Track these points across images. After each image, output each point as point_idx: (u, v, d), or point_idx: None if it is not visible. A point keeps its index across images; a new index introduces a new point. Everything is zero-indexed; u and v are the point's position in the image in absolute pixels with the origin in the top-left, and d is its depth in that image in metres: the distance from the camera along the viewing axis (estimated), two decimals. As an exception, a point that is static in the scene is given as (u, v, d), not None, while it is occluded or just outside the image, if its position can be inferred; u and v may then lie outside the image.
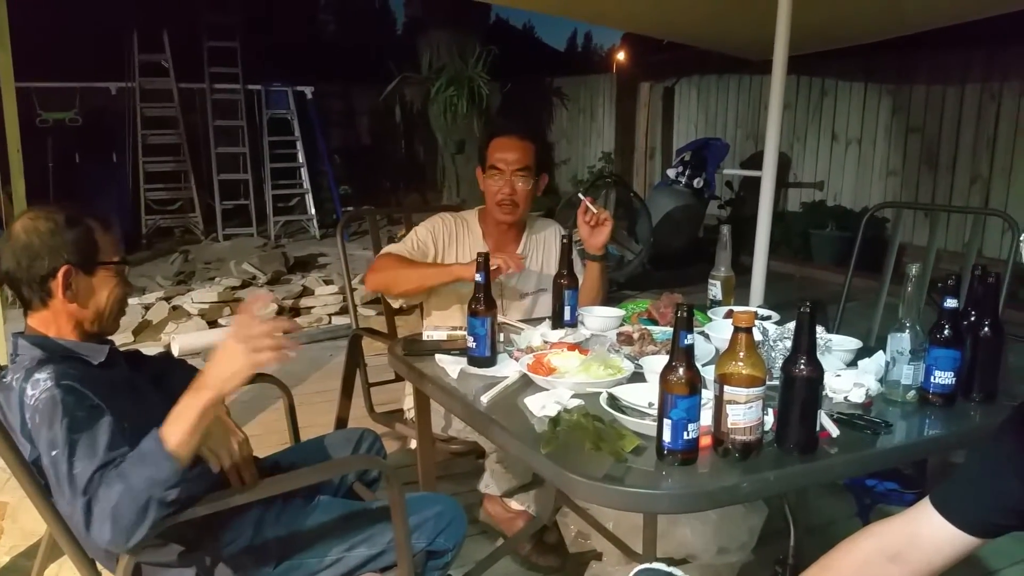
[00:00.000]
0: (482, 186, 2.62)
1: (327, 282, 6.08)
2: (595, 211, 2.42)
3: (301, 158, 9.42)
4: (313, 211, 9.37)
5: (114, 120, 8.92)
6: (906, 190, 7.31)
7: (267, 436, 1.95)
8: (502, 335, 2.08)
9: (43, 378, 1.49)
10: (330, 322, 5.56)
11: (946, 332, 1.63)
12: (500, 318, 2.19)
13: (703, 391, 1.41)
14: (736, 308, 2.25)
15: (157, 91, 8.94)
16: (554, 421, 1.51)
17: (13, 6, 5.44)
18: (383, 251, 2.58)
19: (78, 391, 1.48)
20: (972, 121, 6.75)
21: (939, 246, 5.75)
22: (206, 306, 5.41)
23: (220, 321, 5.32)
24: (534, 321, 2.30)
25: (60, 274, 1.61)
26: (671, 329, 2.12)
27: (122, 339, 4.95)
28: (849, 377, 1.69)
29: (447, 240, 2.62)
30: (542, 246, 2.73)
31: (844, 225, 7.24)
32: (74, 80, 8.58)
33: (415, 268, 2.48)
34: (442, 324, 2.48)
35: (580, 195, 2.48)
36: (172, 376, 1.96)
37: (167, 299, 5.58)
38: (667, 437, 1.35)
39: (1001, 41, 6.29)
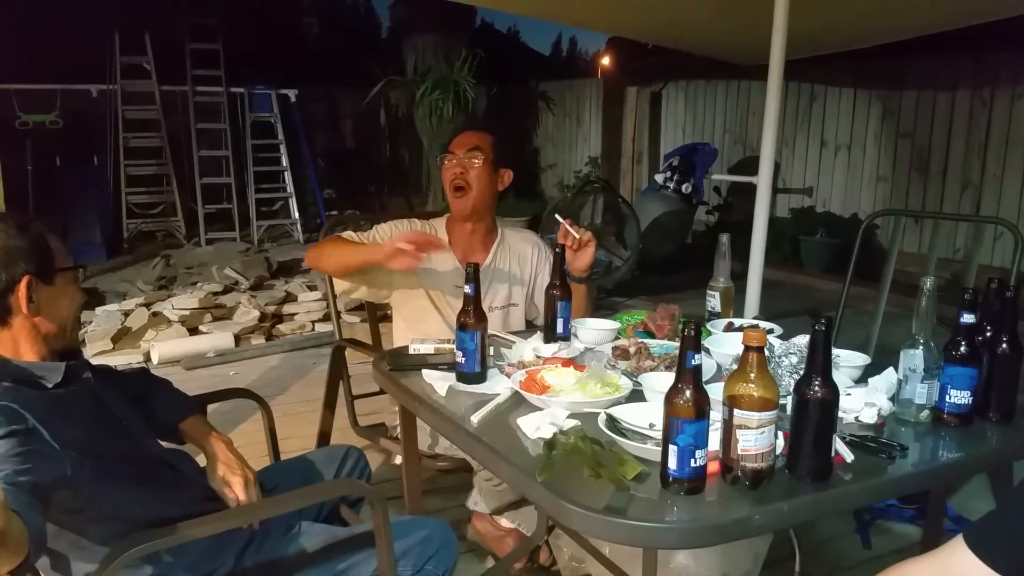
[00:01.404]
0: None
1: (311, 288, 5.96)
2: (576, 235, 2.29)
3: (285, 162, 9.32)
4: (297, 215, 9.26)
5: (95, 122, 8.79)
6: (896, 196, 7.27)
7: (247, 448, 1.84)
8: (492, 348, 1.98)
9: None
10: (313, 329, 5.45)
11: (962, 349, 1.54)
12: (489, 330, 2.10)
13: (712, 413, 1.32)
14: (736, 321, 2.16)
15: (139, 93, 8.80)
16: (549, 444, 1.41)
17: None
18: (335, 233, 2.52)
19: (11, 411, 1.35)
20: (963, 127, 6.71)
21: (938, 254, 5.73)
22: (187, 312, 5.29)
23: (201, 328, 5.19)
24: (524, 333, 2.21)
25: (22, 286, 1.48)
26: (669, 343, 2.05)
27: (100, 347, 4.82)
28: (859, 396, 1.60)
29: None
30: (515, 258, 2.60)
31: (834, 231, 7.18)
32: (55, 82, 8.45)
33: (345, 245, 2.40)
34: (414, 332, 2.37)
35: (558, 217, 2.33)
36: (153, 396, 1.86)
37: (147, 305, 5.45)
38: (673, 464, 1.26)
39: (992, 47, 6.26)
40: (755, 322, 2.15)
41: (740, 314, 2.58)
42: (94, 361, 1.78)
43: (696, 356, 1.25)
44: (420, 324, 2.47)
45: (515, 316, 2.57)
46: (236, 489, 1.67)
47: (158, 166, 8.93)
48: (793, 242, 7.52)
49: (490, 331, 2.23)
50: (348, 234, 2.51)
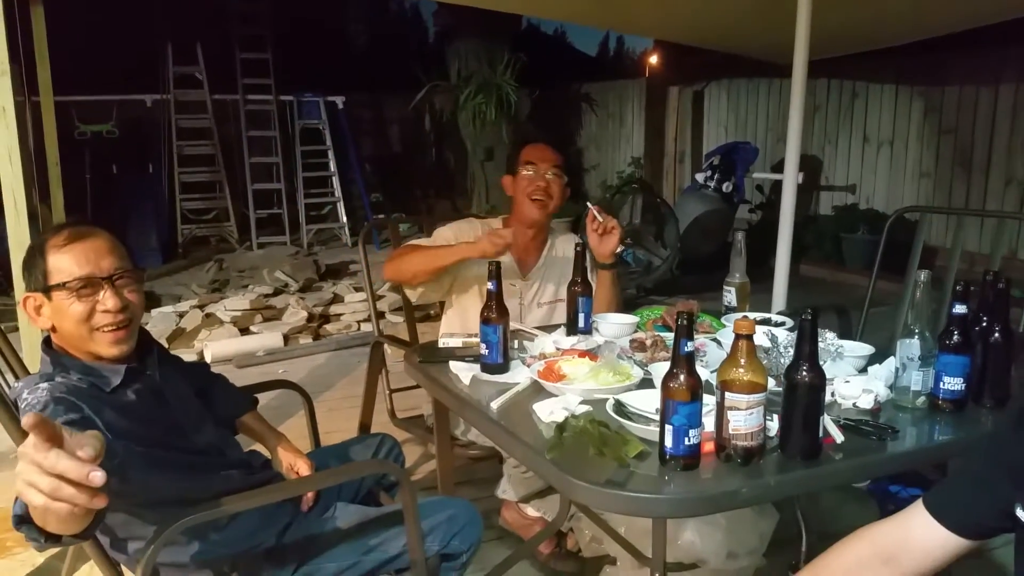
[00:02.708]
0: (510, 191, 2.66)
1: (357, 289, 6.15)
2: (601, 220, 2.42)
3: (333, 167, 9.55)
4: (345, 219, 9.49)
5: (150, 131, 9.13)
6: (939, 192, 7.22)
7: (292, 439, 2.02)
8: (516, 342, 2.10)
9: (44, 387, 1.52)
10: (359, 328, 5.63)
11: (955, 338, 1.62)
12: (515, 325, 2.22)
13: (709, 397, 1.43)
14: (751, 315, 2.25)
15: (191, 103, 9.12)
16: (560, 427, 1.53)
17: (52, 23, 5.59)
18: (406, 243, 2.62)
19: (68, 402, 1.50)
20: (1007, 122, 6.64)
21: (973, 249, 5.69)
22: (238, 313, 5.51)
23: (252, 328, 5.40)
24: (550, 328, 2.32)
25: (23, 304, 1.64)
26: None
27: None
28: (858, 383, 1.69)
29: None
30: (561, 258, 2.73)
31: (876, 228, 7.15)
32: (111, 93, 8.80)
33: (425, 251, 2.50)
34: (460, 325, 2.53)
35: (588, 204, 2.49)
36: (213, 389, 2.05)
37: (201, 307, 5.69)
38: (669, 443, 1.37)
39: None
40: (768, 316, 2.24)
41: (768, 309, 2.67)
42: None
43: (688, 344, 1.36)
44: (471, 317, 2.58)
45: (560, 311, 2.70)
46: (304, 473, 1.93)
47: (211, 173, 9.24)
48: (835, 239, 7.50)
49: (534, 325, 2.36)
50: (419, 242, 2.61)
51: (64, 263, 1.60)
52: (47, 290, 1.60)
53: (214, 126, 9.14)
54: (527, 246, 2.68)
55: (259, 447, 2.09)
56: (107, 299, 1.61)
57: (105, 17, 9.23)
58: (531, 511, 2.63)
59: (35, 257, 1.62)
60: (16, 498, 1.25)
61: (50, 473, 0.99)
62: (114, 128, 8.77)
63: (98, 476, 0.99)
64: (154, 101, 9.11)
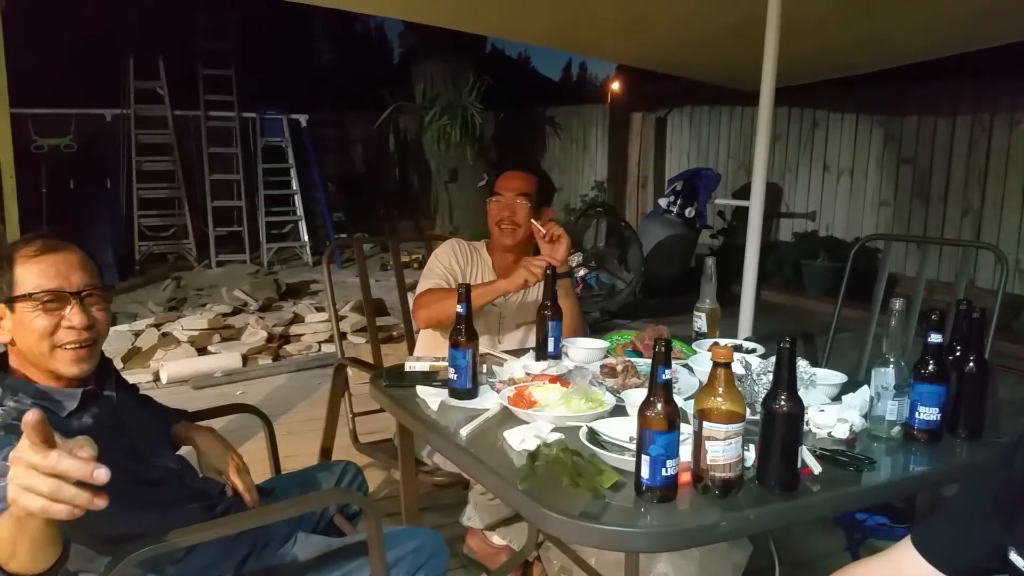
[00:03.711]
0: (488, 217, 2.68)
1: (318, 309, 6.05)
2: (543, 230, 2.43)
3: (295, 185, 9.47)
4: (306, 238, 9.40)
5: (109, 146, 8.97)
6: (898, 221, 7.33)
7: (251, 464, 1.93)
8: (484, 366, 2.06)
9: None
10: (319, 350, 5.53)
11: (931, 368, 1.61)
12: (484, 349, 2.18)
13: (684, 426, 1.39)
14: (721, 340, 2.23)
15: (152, 118, 8.99)
16: (532, 455, 1.48)
17: (9, 32, 5.47)
18: (419, 290, 2.59)
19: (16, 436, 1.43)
20: (963, 153, 6.77)
21: (932, 277, 5.78)
22: (196, 333, 5.38)
23: (209, 348, 5.29)
24: (520, 352, 2.28)
25: None
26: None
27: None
28: (833, 412, 1.67)
29: (464, 264, 2.65)
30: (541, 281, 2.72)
31: (836, 256, 7.24)
32: (70, 106, 8.64)
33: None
34: (435, 348, 2.49)
35: (533, 220, 2.50)
36: (151, 409, 1.95)
37: (157, 326, 5.55)
38: (645, 473, 1.33)
39: (991, 73, 6.34)
40: (739, 342, 2.22)
41: (734, 335, 2.65)
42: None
43: (666, 371, 1.33)
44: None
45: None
46: (231, 475, 1.79)
47: (170, 189, 9.09)
48: (796, 266, 7.58)
49: (510, 346, 2.32)
50: (430, 284, 2.58)
51: (32, 275, 1.53)
52: (10, 301, 1.53)
53: (175, 142, 9.01)
54: (508, 268, 2.66)
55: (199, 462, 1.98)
56: (73, 315, 1.54)
57: (66, 29, 9.07)
58: (497, 539, 2.58)
59: (1, 267, 1.54)
60: None
61: (50, 474, 0.98)
62: (72, 142, 8.62)
63: (102, 473, 0.99)
64: (114, 115, 8.97)
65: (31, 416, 0.99)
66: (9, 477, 1.01)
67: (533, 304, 2.68)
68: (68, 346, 1.55)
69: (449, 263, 2.63)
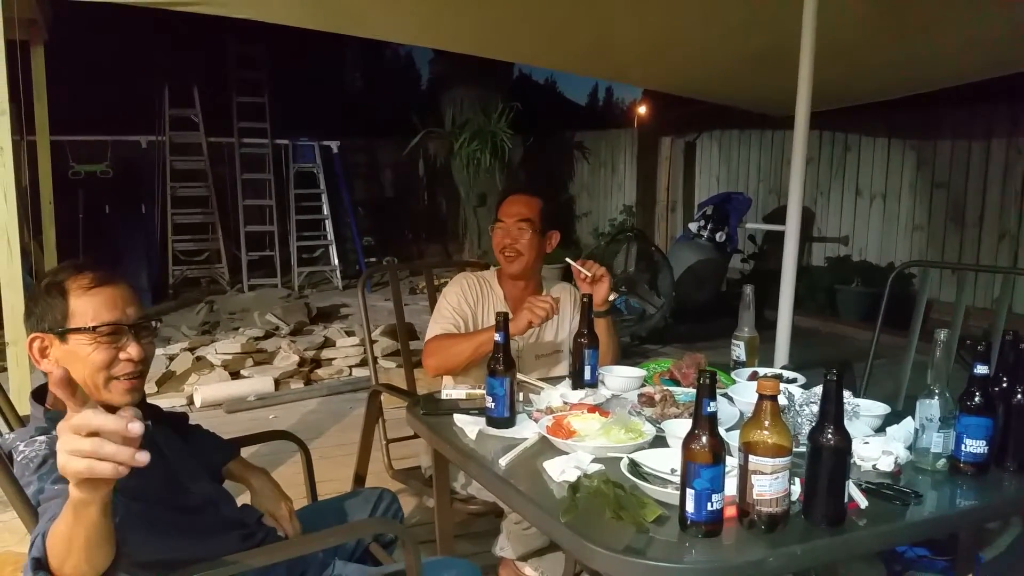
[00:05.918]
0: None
1: (349, 333, 6.08)
2: (586, 272, 2.39)
3: (326, 210, 9.55)
4: (337, 262, 9.46)
5: (144, 172, 9.10)
6: (932, 246, 7.25)
7: (286, 489, 1.95)
8: (521, 395, 2.05)
9: (42, 440, 1.45)
10: (351, 374, 5.55)
11: (977, 399, 1.59)
12: (520, 377, 2.17)
13: (728, 458, 1.38)
14: (760, 370, 2.21)
15: (186, 144, 9.13)
16: (573, 487, 1.48)
17: (51, 63, 5.59)
18: (428, 336, 2.57)
19: None
20: (999, 177, 6.70)
21: (967, 303, 5.69)
22: (229, 357, 5.42)
23: (243, 372, 5.32)
24: (554, 380, 2.28)
25: (27, 344, 1.56)
26: (694, 391, 2.10)
27: (146, 389, 4.95)
28: (877, 444, 1.65)
29: (475, 301, 2.63)
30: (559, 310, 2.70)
31: (870, 280, 7.17)
32: (106, 133, 8.79)
33: (467, 339, 2.46)
34: (462, 377, 2.49)
35: (568, 259, 2.47)
36: (197, 439, 1.97)
37: (191, 350, 5.61)
38: (690, 508, 1.32)
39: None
40: (779, 371, 2.20)
41: (770, 362, 2.63)
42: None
43: (711, 403, 1.32)
44: (469, 370, 2.54)
45: (561, 363, 2.68)
46: (282, 520, 1.85)
47: (204, 215, 9.20)
48: (829, 291, 7.50)
49: (531, 377, 2.32)
50: (439, 330, 2.55)
51: (90, 307, 1.54)
52: (63, 333, 1.53)
53: (208, 168, 9.13)
54: (520, 296, 2.65)
55: (246, 492, 2.01)
56: (131, 348, 1.56)
57: (103, 59, 9.26)
58: (529, 571, 2.55)
59: (52, 296, 1.54)
60: (33, 541, 1.21)
61: (89, 433, 1.01)
62: (108, 168, 8.75)
63: (136, 426, 1.02)
64: (149, 142, 9.11)
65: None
66: (57, 447, 1.04)
67: (551, 337, 2.68)
68: (124, 377, 1.57)
69: (458, 303, 2.60)
